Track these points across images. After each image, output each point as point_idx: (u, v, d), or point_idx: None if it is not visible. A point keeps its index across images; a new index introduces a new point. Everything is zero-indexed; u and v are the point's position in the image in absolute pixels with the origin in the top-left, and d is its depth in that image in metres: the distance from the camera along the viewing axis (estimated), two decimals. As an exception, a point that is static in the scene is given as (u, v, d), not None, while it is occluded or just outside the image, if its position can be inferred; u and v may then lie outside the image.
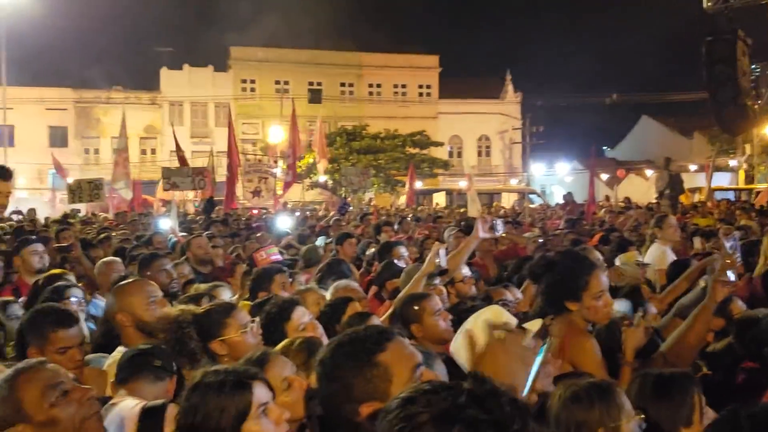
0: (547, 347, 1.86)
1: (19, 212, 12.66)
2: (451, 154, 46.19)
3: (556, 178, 45.68)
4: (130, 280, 3.71)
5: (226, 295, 4.27)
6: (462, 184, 42.89)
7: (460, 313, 3.30)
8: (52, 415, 1.86)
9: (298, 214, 14.73)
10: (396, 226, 10.40)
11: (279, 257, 5.90)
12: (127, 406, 2.10)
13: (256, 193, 15.72)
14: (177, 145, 17.45)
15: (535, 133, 45.71)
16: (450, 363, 2.50)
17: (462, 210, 22.08)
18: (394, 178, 36.39)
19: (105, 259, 5.86)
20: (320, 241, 8.41)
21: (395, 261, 5.22)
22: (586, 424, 2.19)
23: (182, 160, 16.35)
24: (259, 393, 1.92)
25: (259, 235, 9.76)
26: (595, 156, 19.71)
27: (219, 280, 5.37)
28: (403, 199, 30.87)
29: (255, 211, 16.92)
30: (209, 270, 6.45)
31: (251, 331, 2.82)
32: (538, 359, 2.02)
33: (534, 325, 2.60)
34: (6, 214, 8.97)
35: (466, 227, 7.22)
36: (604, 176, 35.28)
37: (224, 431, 1.85)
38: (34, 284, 4.74)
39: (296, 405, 2.24)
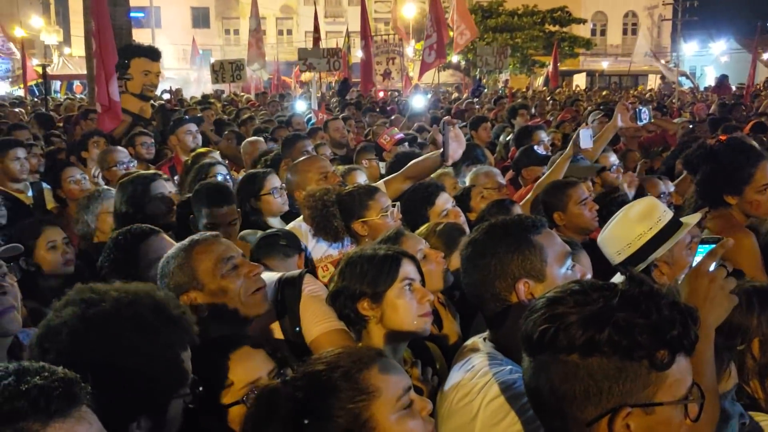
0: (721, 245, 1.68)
1: (169, 91, 13.35)
2: (593, 32, 43.20)
3: (710, 59, 41.69)
4: (304, 157, 3.94)
5: (361, 178, 4.33)
6: (605, 64, 40.34)
7: (608, 203, 3.15)
8: (223, 286, 1.99)
9: (430, 96, 14.51)
10: (533, 110, 10.00)
11: (401, 135, 5.86)
12: (267, 275, 2.22)
13: (386, 75, 15.52)
14: (315, 26, 17.42)
15: (688, 8, 41.56)
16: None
17: (604, 93, 20.86)
18: (531, 58, 34.74)
19: (250, 139, 6.09)
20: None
21: (534, 147, 5.02)
22: (741, 331, 2.01)
23: (316, 41, 16.37)
24: (407, 268, 2.05)
25: (393, 117, 9.75)
26: (760, 33, 17.65)
27: (352, 162, 5.45)
28: (540, 81, 29.53)
29: (381, 94, 16.83)
30: (344, 152, 6.56)
31: (391, 215, 2.87)
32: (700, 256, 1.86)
33: (693, 219, 2.42)
34: (157, 93, 9.46)
35: (609, 111, 6.80)
36: (767, 57, 31.69)
37: (368, 294, 2.00)
38: (185, 162, 5.03)
39: (433, 275, 2.36)
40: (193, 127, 5.91)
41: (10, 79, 24.16)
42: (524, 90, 23.85)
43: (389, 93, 17.21)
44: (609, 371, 1.16)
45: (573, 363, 1.18)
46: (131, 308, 1.45)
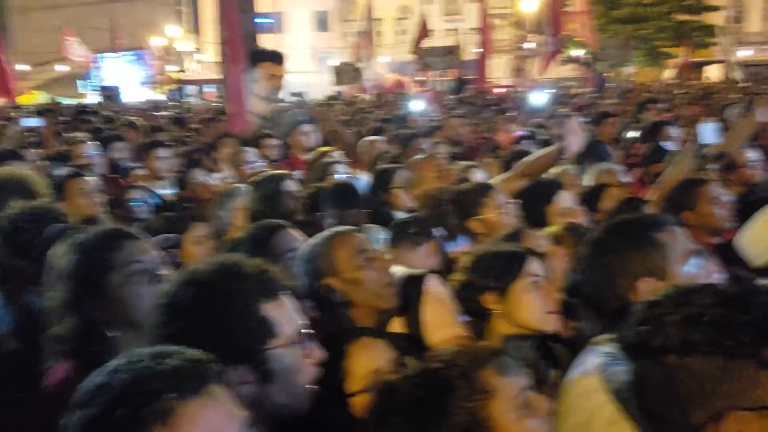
0: None
1: (298, 94, 13.83)
2: (732, 20, 40.38)
3: None
4: (421, 156, 4.01)
5: (479, 176, 4.31)
6: (744, 54, 37.55)
7: (746, 203, 2.96)
8: (357, 276, 2.10)
9: (550, 92, 14.13)
10: (662, 104, 9.50)
11: (521, 133, 5.76)
12: (396, 269, 2.28)
13: (518, 71, 15.30)
14: (423, 25, 17.48)
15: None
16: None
17: (740, 85, 19.45)
18: (659, 50, 33.00)
19: (367, 138, 6.21)
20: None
21: (663, 143, 4.78)
22: None
23: (421, 39, 16.39)
24: (534, 264, 2.07)
25: (509, 114, 9.61)
26: None
27: (469, 160, 5.43)
28: (668, 74, 28.01)
29: (499, 91, 16.62)
30: (461, 150, 6.54)
31: (509, 212, 2.85)
32: None
33: None
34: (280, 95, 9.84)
35: (749, 105, 6.35)
36: None
37: (493, 288, 2.04)
38: (307, 161, 5.22)
39: (556, 273, 2.35)
40: (308, 127, 6.13)
41: (152, 85, 26.00)
42: (652, 83, 22.71)
43: (507, 89, 16.96)
44: (711, 372, 1.09)
45: (672, 365, 1.13)
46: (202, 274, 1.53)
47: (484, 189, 2.98)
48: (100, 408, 1.04)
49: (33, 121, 6.24)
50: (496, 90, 16.69)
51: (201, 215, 3.80)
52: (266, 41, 17.88)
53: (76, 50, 19.07)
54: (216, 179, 4.94)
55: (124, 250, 1.83)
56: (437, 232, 2.80)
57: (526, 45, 18.59)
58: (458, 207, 2.93)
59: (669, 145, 4.76)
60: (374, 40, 19.39)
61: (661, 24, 32.93)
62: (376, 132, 7.20)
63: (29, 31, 37.48)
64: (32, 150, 5.48)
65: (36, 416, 1.72)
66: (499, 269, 2.05)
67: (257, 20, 10.85)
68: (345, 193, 3.33)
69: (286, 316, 1.52)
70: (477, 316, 2.07)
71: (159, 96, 22.19)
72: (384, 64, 18.91)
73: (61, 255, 2.34)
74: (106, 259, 1.81)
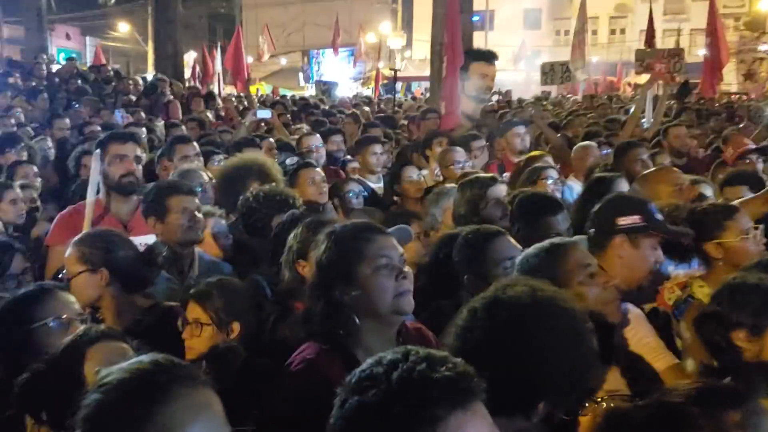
0: None
1: (499, 92, 13.75)
2: None
3: None
4: (656, 168, 3.81)
5: (708, 191, 3.98)
6: None
7: None
8: (579, 291, 2.05)
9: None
10: None
11: (751, 146, 5.20)
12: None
13: (749, 75, 13.91)
14: (650, 23, 16.43)
15: None
16: None
17: None
18: None
19: (582, 143, 5.99)
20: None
21: None
22: None
23: (649, 40, 15.39)
24: None
25: (742, 125, 8.75)
26: None
27: (695, 173, 5.02)
28: None
29: (735, 97, 15.14)
30: (684, 162, 6.09)
31: (753, 238, 2.59)
32: None
33: None
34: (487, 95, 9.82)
35: None
36: None
37: (747, 325, 1.89)
38: (516, 164, 5.15)
39: None
40: (521, 129, 6.03)
41: (361, 80, 27.34)
42: None
43: (737, 96, 15.46)
44: None
45: None
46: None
47: (729, 211, 2.75)
48: (377, 399, 1.11)
49: (266, 112, 6.83)
50: (732, 96, 15.29)
51: (414, 212, 3.92)
52: (475, 39, 17.92)
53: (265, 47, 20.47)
54: (425, 177, 5.07)
55: (375, 244, 1.93)
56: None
57: (762, 47, 16.73)
58: (697, 228, 2.72)
59: None
60: (588, 39, 18.62)
61: None
62: (590, 137, 6.92)
63: (258, 25, 41.14)
64: (267, 139, 5.98)
65: (286, 387, 1.89)
66: (757, 306, 1.89)
67: (472, 18, 10.92)
68: (542, 206, 3.23)
69: None
70: (722, 351, 1.91)
71: (368, 92, 23.24)
72: (597, 64, 18.06)
73: (304, 240, 2.54)
74: (359, 250, 1.92)
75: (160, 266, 3.01)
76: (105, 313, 2.61)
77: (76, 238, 2.77)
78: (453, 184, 4.13)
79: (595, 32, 36.67)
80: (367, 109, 13.31)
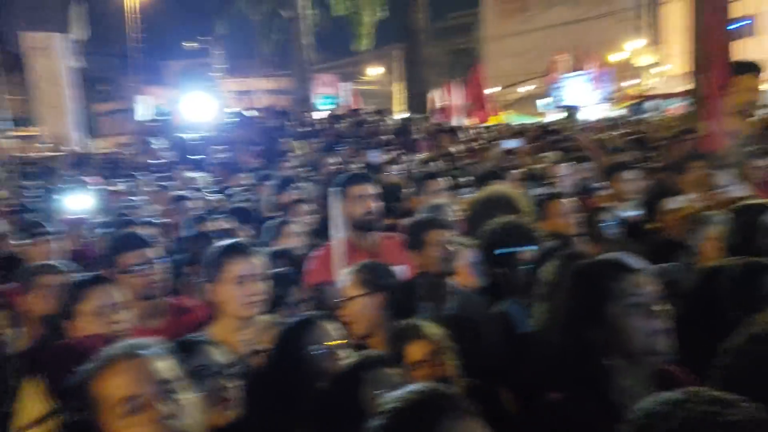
0: None
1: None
2: None
3: None
4: None
5: None
6: None
7: None
8: None
9: None
10: None
11: None
12: None
13: None
14: None
15: None
16: None
17: None
18: None
19: None
20: None
21: None
22: None
23: None
24: None
25: None
26: None
27: None
28: None
29: None
30: None
31: None
32: None
33: None
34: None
35: None
36: None
37: None
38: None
39: None
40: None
41: (607, 102, 26.26)
42: None
43: None
44: None
45: None
46: None
47: None
48: None
49: (512, 143, 6.92)
50: None
51: (678, 243, 3.70)
52: (737, 48, 16.28)
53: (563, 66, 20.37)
54: (682, 203, 4.74)
55: (624, 281, 1.88)
56: None
57: None
58: None
59: None
60: None
61: None
62: None
63: (499, 56, 41.65)
64: (511, 170, 6.06)
65: (540, 426, 1.91)
66: None
67: (730, 27, 9.97)
68: None
69: None
70: None
71: (615, 113, 22.26)
72: None
73: (554, 273, 2.55)
74: (606, 287, 1.88)
75: (420, 297, 3.21)
76: (375, 339, 2.83)
77: (358, 264, 3.05)
78: (716, 211, 3.83)
79: None
80: (615, 132, 12.75)
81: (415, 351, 2.47)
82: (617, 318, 1.85)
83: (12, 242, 4.92)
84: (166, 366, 1.73)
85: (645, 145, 9.46)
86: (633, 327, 1.84)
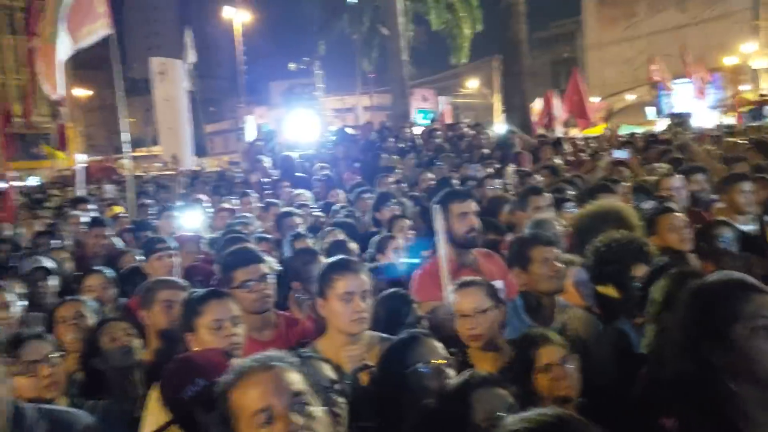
0: None
1: None
2: None
3: None
4: None
5: None
6: None
7: None
8: None
9: None
10: None
11: None
12: None
13: None
14: None
15: None
16: None
17: None
18: None
19: None
20: None
21: None
22: None
23: None
24: None
25: None
26: None
27: None
28: None
29: None
30: None
31: None
32: None
33: None
34: None
35: None
36: None
37: None
38: None
39: None
40: None
41: (722, 108, 24.92)
42: None
43: None
44: None
45: None
46: None
47: None
48: None
49: (621, 153, 6.66)
50: None
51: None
52: None
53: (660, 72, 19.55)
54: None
55: (752, 302, 1.79)
56: None
57: None
58: None
59: None
60: None
61: None
62: None
63: (603, 64, 40.45)
64: (621, 183, 5.83)
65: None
66: None
67: None
68: None
69: None
70: None
71: (730, 119, 21.11)
72: None
73: (666, 292, 2.45)
74: (732, 308, 1.79)
75: (527, 314, 3.16)
76: (491, 354, 2.84)
77: (475, 279, 3.06)
78: None
79: None
80: (732, 140, 12.05)
81: (548, 354, 2.51)
82: (745, 341, 1.76)
83: (136, 257, 5.23)
84: (298, 378, 1.75)
85: (766, 152, 8.89)
86: (761, 351, 1.74)
